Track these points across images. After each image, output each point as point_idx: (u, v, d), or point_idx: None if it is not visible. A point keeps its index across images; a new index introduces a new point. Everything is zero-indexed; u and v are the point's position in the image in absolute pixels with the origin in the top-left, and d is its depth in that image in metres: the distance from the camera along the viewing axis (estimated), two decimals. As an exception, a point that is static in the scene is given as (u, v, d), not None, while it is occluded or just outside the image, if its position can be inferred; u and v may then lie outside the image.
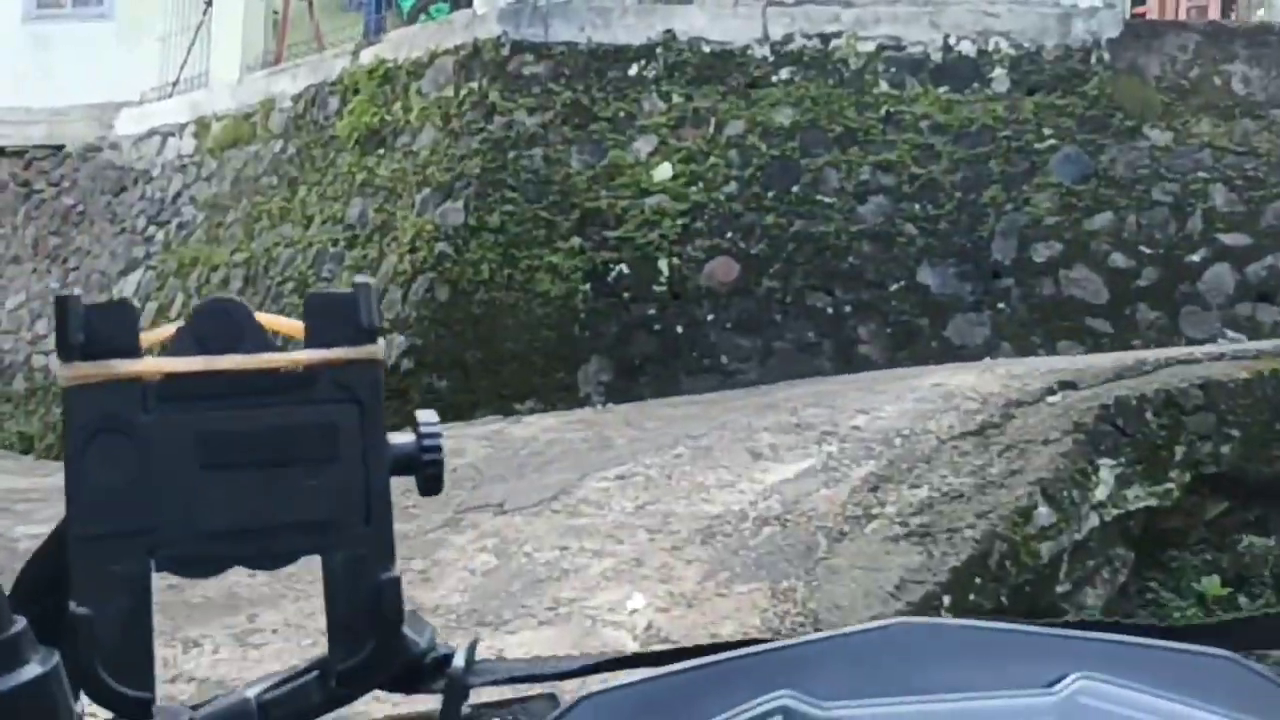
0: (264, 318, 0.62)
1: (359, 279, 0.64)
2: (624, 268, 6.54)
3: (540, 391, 6.44)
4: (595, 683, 0.58)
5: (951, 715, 0.53)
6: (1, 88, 11.08)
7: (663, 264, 6.55)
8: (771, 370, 6.35)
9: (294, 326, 0.64)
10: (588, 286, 6.54)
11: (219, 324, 0.61)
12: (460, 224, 6.74)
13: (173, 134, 9.90)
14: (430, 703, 0.64)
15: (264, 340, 0.62)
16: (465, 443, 5.43)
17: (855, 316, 6.44)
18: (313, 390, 0.63)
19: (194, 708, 0.61)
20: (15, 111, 10.95)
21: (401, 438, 0.64)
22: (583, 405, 6.34)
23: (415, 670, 0.64)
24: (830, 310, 6.46)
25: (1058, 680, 0.53)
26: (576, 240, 6.61)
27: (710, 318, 6.46)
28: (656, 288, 6.51)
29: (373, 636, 0.62)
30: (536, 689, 0.67)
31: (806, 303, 6.46)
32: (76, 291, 0.64)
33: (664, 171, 6.71)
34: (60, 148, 10.81)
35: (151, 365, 0.60)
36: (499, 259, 6.59)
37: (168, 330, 0.62)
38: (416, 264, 6.82)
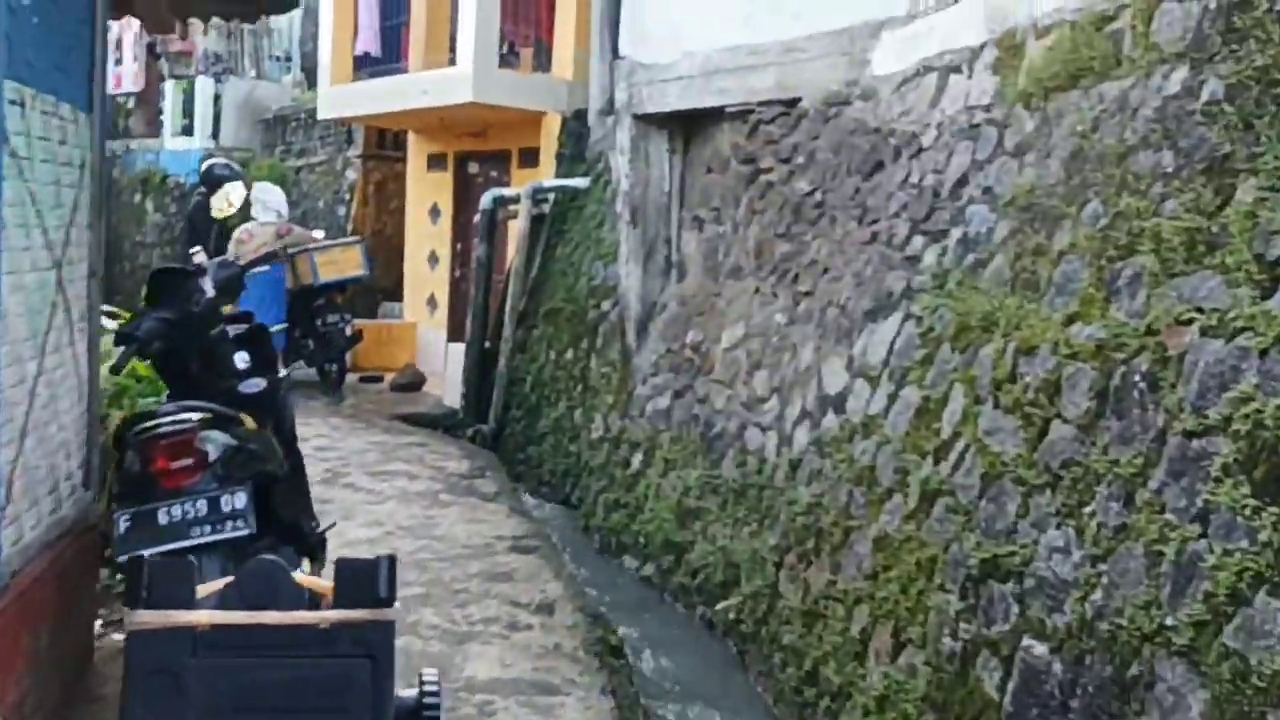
0: (300, 578, 0.92)
1: (383, 555, 0.99)
2: None
3: None
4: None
5: None
6: (724, 21, 7.64)
7: None
8: None
9: (325, 587, 0.86)
10: None
11: (261, 582, 0.85)
12: None
13: (957, 68, 5.58)
14: None
15: (300, 598, 0.83)
16: None
17: None
18: (334, 646, 0.81)
19: None
20: (739, 53, 7.46)
21: (407, 692, 0.85)
22: None
23: None
24: None
25: None
26: None
27: None
28: None
29: None
30: None
31: None
32: None
33: None
34: (793, 102, 7.10)
35: (203, 617, 0.81)
36: None
37: (217, 585, 0.89)
38: None
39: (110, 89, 20.68)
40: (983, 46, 5.39)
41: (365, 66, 12.56)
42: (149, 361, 4.25)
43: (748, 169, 7.47)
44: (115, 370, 4.00)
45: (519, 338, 10.30)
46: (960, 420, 4.39)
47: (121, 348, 3.91)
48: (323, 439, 8.61)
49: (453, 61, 11.23)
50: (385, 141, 14.71)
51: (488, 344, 10.67)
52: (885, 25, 6.37)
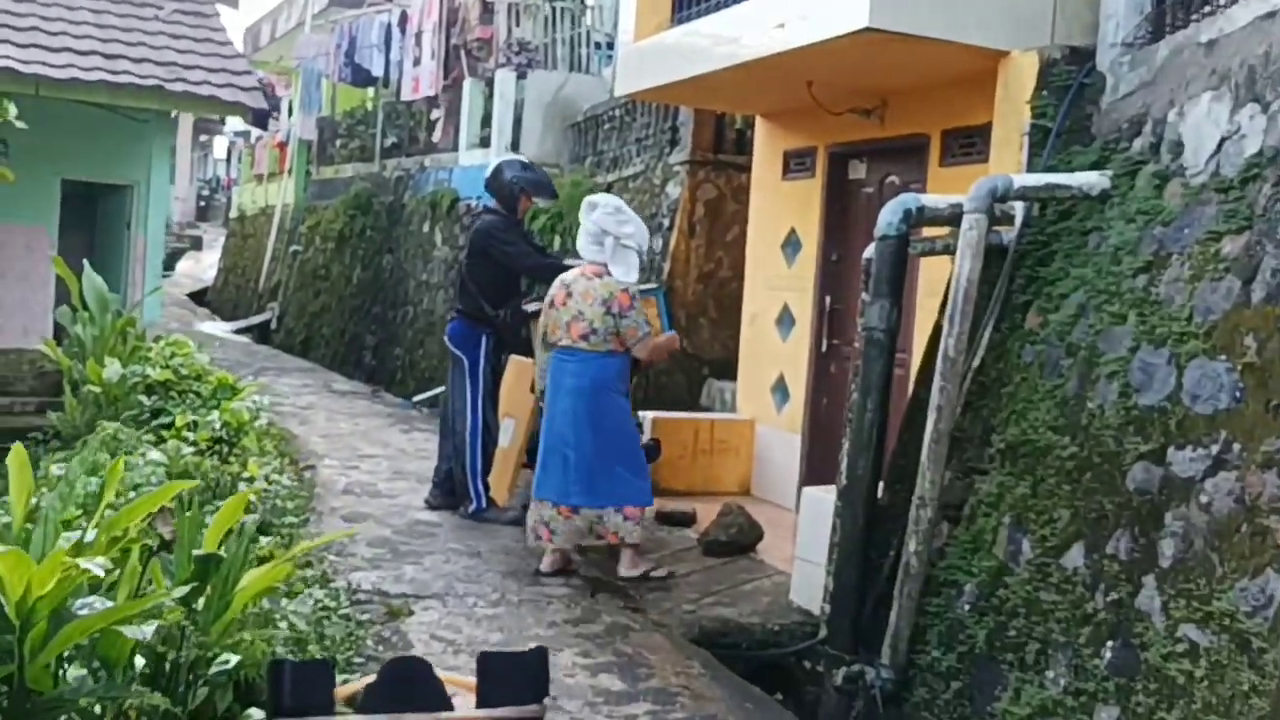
0: (444, 675, 1.06)
1: (533, 647, 1.19)
2: None
3: None
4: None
5: None
6: None
7: None
8: None
9: (469, 684, 0.96)
10: None
11: (402, 682, 0.92)
12: None
13: None
14: None
15: (443, 698, 0.91)
16: None
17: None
18: None
19: None
20: None
21: None
22: None
23: None
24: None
25: None
26: None
27: None
28: None
29: None
30: None
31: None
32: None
33: None
34: None
35: None
36: None
37: (357, 686, 1.06)
38: None
39: (408, 94, 17.27)
40: None
41: (689, 7, 7.74)
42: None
43: None
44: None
45: (951, 492, 5.00)
46: None
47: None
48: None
49: (833, -34, 6.15)
50: (723, 141, 9.85)
51: (882, 495, 5.43)
52: None
